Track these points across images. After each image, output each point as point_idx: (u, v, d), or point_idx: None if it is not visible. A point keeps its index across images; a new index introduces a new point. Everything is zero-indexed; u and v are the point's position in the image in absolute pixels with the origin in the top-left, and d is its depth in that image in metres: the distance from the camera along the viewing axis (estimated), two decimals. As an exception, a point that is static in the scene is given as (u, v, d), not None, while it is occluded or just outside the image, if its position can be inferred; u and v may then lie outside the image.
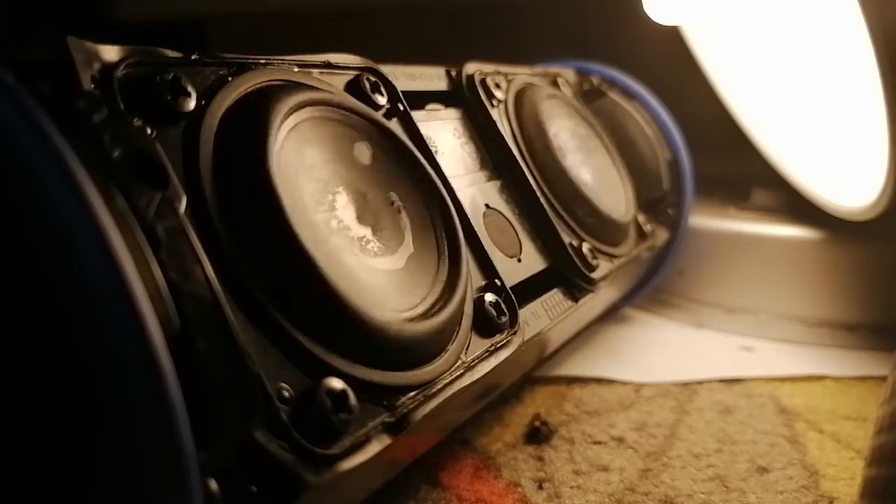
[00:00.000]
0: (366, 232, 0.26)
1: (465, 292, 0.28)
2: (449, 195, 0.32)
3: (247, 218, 0.22)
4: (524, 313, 0.32)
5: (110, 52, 0.22)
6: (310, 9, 0.69)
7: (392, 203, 0.28)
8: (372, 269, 0.25)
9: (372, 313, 0.23)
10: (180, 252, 0.19)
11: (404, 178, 0.29)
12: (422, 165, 0.30)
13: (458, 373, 0.27)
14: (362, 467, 0.22)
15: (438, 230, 0.29)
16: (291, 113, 0.25)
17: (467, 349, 0.28)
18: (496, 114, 0.39)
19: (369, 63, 0.32)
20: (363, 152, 0.28)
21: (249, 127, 0.23)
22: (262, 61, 0.27)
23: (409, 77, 0.35)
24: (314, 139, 0.26)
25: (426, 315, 0.26)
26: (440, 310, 0.26)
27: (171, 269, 0.18)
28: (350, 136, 0.28)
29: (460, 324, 0.28)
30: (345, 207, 0.26)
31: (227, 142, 0.23)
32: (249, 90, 0.25)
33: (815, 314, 0.51)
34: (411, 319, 0.25)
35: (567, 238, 0.38)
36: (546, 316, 0.34)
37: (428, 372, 0.25)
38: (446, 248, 0.29)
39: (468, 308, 0.29)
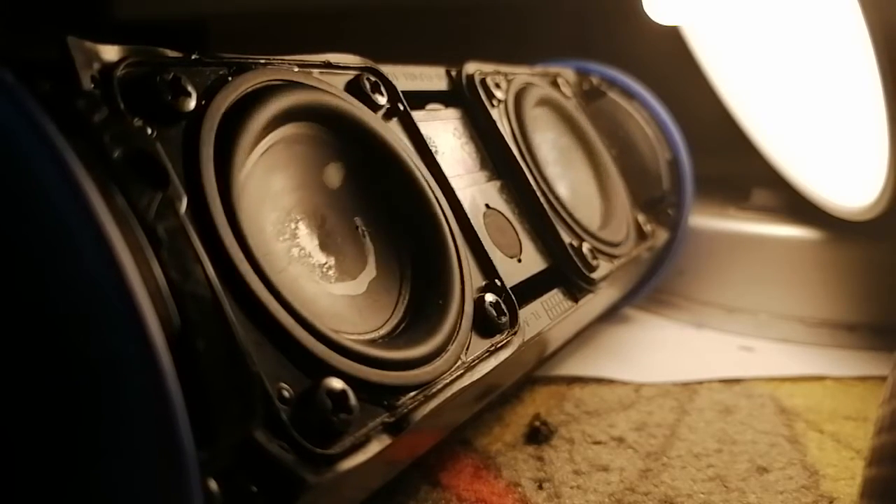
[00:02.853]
0: (328, 259, 0.26)
1: (462, 300, 0.29)
2: (448, 195, 0.32)
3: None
4: (524, 313, 0.32)
5: (110, 52, 0.22)
6: (310, 9, 0.70)
7: (357, 228, 0.28)
8: (332, 294, 0.26)
9: (332, 337, 0.23)
10: (181, 252, 0.19)
11: (376, 199, 0.29)
12: (410, 173, 0.30)
13: (458, 373, 0.27)
14: (362, 467, 0.22)
15: (404, 254, 0.29)
16: (265, 135, 0.25)
17: (467, 349, 0.28)
18: (496, 114, 0.39)
19: (369, 63, 0.32)
20: (334, 175, 0.28)
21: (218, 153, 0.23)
22: (262, 61, 0.27)
23: (409, 77, 0.35)
24: (284, 163, 0.26)
25: (389, 337, 0.26)
26: (407, 333, 0.27)
27: (172, 268, 0.18)
28: (323, 157, 0.28)
29: (460, 324, 0.28)
30: (307, 236, 0.26)
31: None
32: (249, 90, 0.25)
33: (815, 314, 0.51)
34: (373, 342, 0.25)
35: (567, 238, 0.38)
36: (546, 316, 0.34)
37: (428, 372, 0.26)
38: (434, 256, 0.29)
39: (468, 308, 0.29)
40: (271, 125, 0.25)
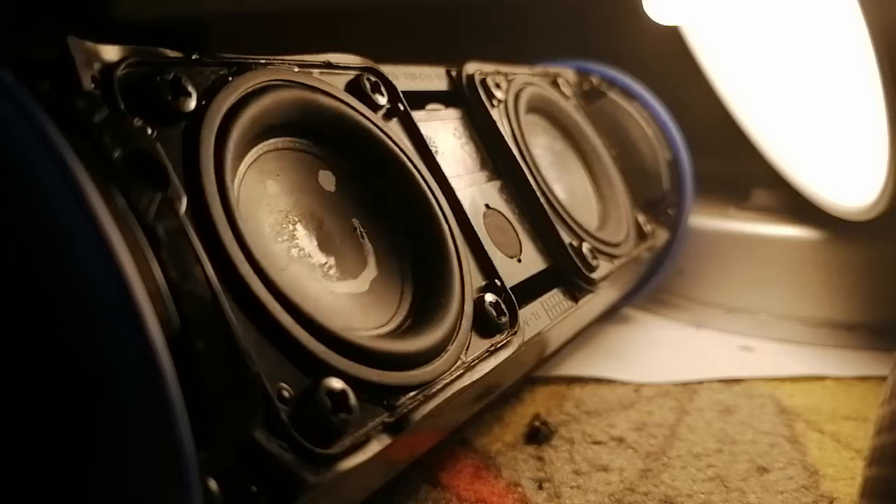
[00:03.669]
0: (328, 259, 0.26)
1: (462, 300, 0.29)
2: (448, 196, 0.32)
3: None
4: (524, 313, 0.32)
5: (110, 52, 0.22)
6: (310, 9, 0.69)
7: (355, 229, 0.28)
8: (334, 293, 0.26)
9: (338, 332, 0.23)
10: (181, 252, 0.19)
11: (372, 202, 0.29)
12: (409, 173, 0.30)
13: (458, 373, 0.27)
14: (362, 467, 0.22)
15: (404, 253, 0.29)
16: (252, 144, 0.25)
17: (467, 349, 0.28)
18: (496, 114, 0.39)
19: (369, 63, 0.32)
20: (328, 180, 0.28)
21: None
22: (263, 61, 0.27)
23: (409, 77, 0.35)
24: (276, 170, 0.26)
25: (395, 333, 0.26)
26: (412, 330, 0.27)
27: (172, 269, 0.18)
28: (314, 165, 0.28)
29: (460, 324, 0.28)
30: (306, 237, 0.26)
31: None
32: (249, 90, 0.25)
33: (815, 314, 0.51)
34: (379, 337, 0.25)
35: (567, 238, 0.38)
36: (546, 316, 0.34)
37: (428, 372, 0.26)
38: (434, 256, 0.29)
39: (468, 308, 0.29)
40: (260, 136, 0.26)
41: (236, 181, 0.24)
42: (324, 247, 0.27)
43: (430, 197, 0.30)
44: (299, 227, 0.26)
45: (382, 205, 0.30)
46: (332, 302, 0.25)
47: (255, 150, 0.26)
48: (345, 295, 0.26)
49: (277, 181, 0.26)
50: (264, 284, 0.22)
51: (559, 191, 0.42)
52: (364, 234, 0.29)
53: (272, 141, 0.27)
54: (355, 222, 0.29)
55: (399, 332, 0.26)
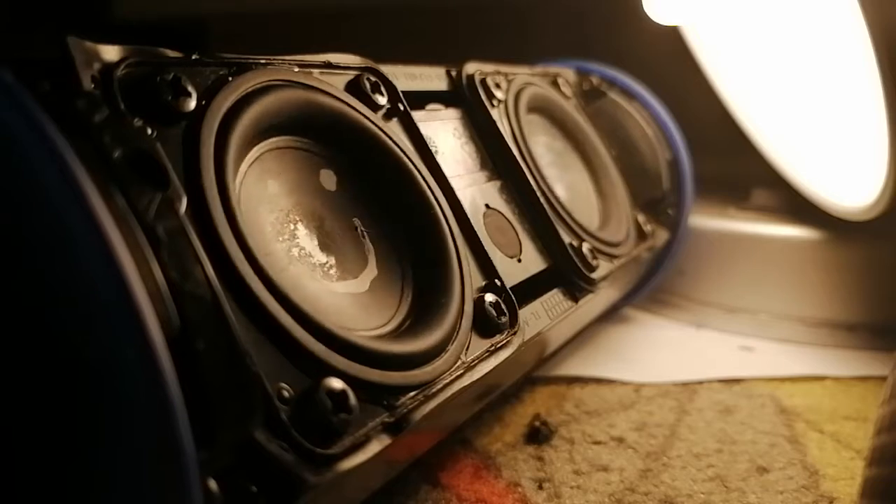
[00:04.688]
0: (328, 258, 0.26)
1: (462, 300, 0.29)
2: (448, 196, 0.32)
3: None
4: (524, 313, 0.32)
5: (110, 52, 0.22)
6: (310, 9, 0.70)
7: (355, 228, 0.28)
8: (335, 292, 0.26)
9: (338, 332, 0.23)
10: (181, 252, 0.19)
11: (372, 202, 0.29)
12: (409, 173, 0.30)
13: (458, 373, 0.27)
14: (362, 467, 0.22)
15: (404, 253, 0.29)
16: (253, 144, 0.25)
17: (467, 349, 0.28)
18: (496, 114, 0.39)
19: (369, 63, 0.32)
20: (329, 179, 0.28)
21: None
22: (262, 61, 0.27)
23: (409, 77, 0.35)
24: (277, 169, 0.26)
25: (394, 333, 0.26)
26: (412, 330, 0.27)
27: (172, 269, 0.18)
28: (315, 164, 0.28)
29: (460, 324, 0.28)
30: (307, 236, 0.26)
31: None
32: (249, 90, 0.25)
33: (815, 314, 0.51)
34: (379, 338, 0.25)
35: (567, 238, 0.38)
36: (546, 316, 0.34)
37: (428, 372, 0.26)
38: (434, 256, 0.29)
39: (468, 308, 0.29)
40: (261, 135, 0.26)
41: (238, 180, 0.24)
42: (324, 246, 0.27)
43: (430, 197, 0.30)
44: (300, 226, 0.26)
45: (383, 204, 0.30)
46: (331, 302, 0.25)
47: (256, 148, 0.26)
48: (345, 295, 0.26)
49: (278, 181, 0.26)
50: (265, 284, 0.22)
51: (560, 189, 0.42)
52: (365, 233, 0.29)
53: (273, 140, 0.27)
54: (356, 221, 0.29)
55: (398, 334, 0.26)
